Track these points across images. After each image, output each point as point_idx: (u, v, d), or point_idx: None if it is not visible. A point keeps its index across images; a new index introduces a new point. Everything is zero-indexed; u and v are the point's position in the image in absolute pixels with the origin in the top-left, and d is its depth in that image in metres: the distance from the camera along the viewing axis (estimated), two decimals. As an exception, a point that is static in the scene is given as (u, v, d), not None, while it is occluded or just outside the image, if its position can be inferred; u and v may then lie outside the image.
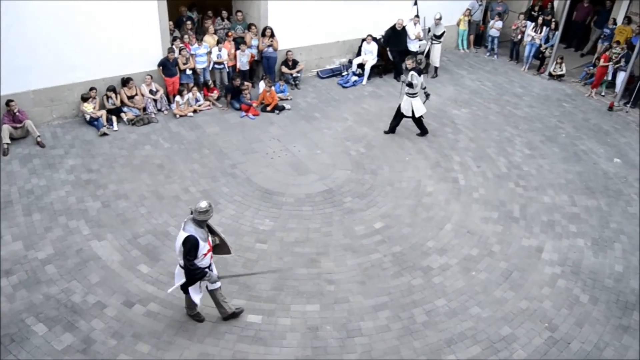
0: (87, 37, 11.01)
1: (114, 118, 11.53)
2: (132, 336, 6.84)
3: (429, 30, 15.07)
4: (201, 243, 6.21)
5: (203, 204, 6.26)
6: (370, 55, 14.43)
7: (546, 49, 15.48)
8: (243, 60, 13.04)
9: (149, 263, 8.04)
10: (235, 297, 7.46)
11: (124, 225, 8.77)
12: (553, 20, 15.57)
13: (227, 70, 13.06)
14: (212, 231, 6.59)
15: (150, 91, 12.04)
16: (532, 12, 16.41)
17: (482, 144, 11.81)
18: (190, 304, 6.94)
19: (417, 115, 11.58)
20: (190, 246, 6.14)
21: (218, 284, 6.79)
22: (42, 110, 11.20)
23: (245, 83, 12.77)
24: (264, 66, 13.63)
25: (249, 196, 9.68)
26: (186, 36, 12.36)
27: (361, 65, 14.57)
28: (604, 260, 8.60)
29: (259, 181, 10.13)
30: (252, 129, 11.88)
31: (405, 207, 9.63)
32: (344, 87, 14.26)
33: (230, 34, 13.08)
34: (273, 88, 12.85)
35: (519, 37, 16.06)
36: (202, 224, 6.32)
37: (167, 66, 12.04)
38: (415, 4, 14.57)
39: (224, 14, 13.62)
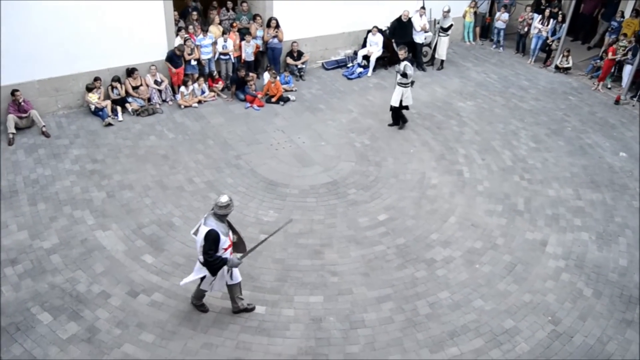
0: (93, 27, 11.00)
1: (118, 108, 11.54)
2: (137, 326, 6.88)
3: (435, 22, 15.00)
4: (222, 237, 6.20)
5: (224, 199, 6.24)
6: (375, 47, 14.37)
7: (553, 41, 15.39)
8: (248, 51, 13.00)
9: (153, 253, 8.07)
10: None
11: (129, 215, 8.79)
12: (560, 12, 15.47)
13: (232, 61, 13.04)
14: (231, 228, 6.57)
15: (155, 82, 12.04)
16: (540, 4, 16.31)
17: (487, 136, 11.77)
18: (198, 295, 6.95)
19: (404, 104, 11.49)
20: (212, 240, 6.13)
21: (239, 278, 6.78)
22: (47, 100, 11.22)
23: (250, 74, 12.74)
24: (269, 57, 13.60)
25: (253, 187, 9.69)
26: (191, 27, 12.33)
27: (366, 57, 14.53)
28: (608, 254, 8.59)
29: (263, 172, 10.14)
30: (256, 120, 11.87)
31: (409, 199, 9.62)
32: (349, 78, 14.23)
33: (235, 24, 13.04)
34: (278, 79, 12.83)
35: (526, 29, 15.96)
36: (222, 218, 6.31)
37: (174, 58, 12.03)
38: (422, -5, 14.53)
39: (229, 4, 13.57)
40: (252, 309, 7.17)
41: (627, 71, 13.80)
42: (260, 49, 13.48)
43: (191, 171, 10.00)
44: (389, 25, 14.62)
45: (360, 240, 8.61)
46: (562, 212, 9.47)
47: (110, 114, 11.35)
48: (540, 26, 15.44)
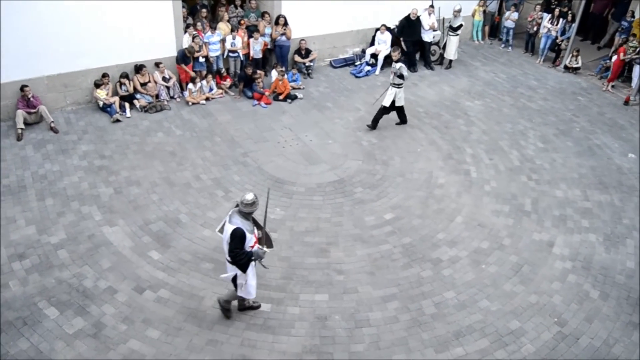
0: (101, 23, 11.02)
1: (126, 105, 11.57)
2: (143, 322, 6.91)
3: (444, 21, 14.95)
4: (248, 235, 6.15)
5: (249, 196, 6.18)
6: (383, 45, 14.33)
7: (562, 41, 15.30)
8: (256, 49, 13.01)
9: (160, 249, 8.10)
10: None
11: (136, 211, 8.83)
12: (570, 12, 15.39)
13: (241, 58, 13.04)
14: (256, 224, 6.52)
15: (163, 78, 12.06)
16: (549, 4, 16.21)
17: (495, 136, 11.72)
18: (231, 298, 6.89)
19: (397, 105, 11.44)
20: (238, 238, 6.08)
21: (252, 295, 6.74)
22: (55, 96, 11.27)
23: (258, 72, 12.74)
24: (277, 55, 13.60)
25: (260, 185, 9.70)
26: (199, 24, 12.35)
27: (374, 55, 14.50)
28: (615, 256, 8.54)
29: (270, 170, 10.15)
30: (264, 118, 11.88)
31: (416, 199, 9.61)
32: (356, 76, 14.20)
33: (243, 22, 13.05)
34: (285, 77, 12.83)
35: (535, 28, 15.87)
36: (248, 216, 6.26)
37: (184, 59, 12.05)
38: (431, -6, 14.48)
39: (238, 1, 13.58)
40: (258, 307, 7.18)
41: (637, 72, 13.69)
42: (268, 47, 13.48)
43: (198, 168, 10.02)
44: (397, 23, 14.58)
45: (366, 239, 8.61)
46: (570, 213, 9.42)
47: (118, 110, 11.39)
48: (549, 25, 15.35)
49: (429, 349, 6.82)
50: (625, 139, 11.86)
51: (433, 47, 15.22)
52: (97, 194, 9.13)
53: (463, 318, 7.27)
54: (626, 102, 13.52)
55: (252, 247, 6.29)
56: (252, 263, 6.39)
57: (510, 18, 16.20)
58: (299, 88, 13.24)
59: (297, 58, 13.78)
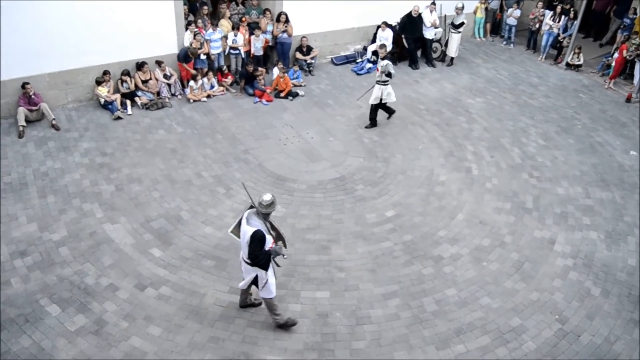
0: (103, 21, 11.01)
1: (128, 102, 11.58)
2: (144, 319, 6.92)
3: (446, 18, 14.92)
4: (267, 236, 6.11)
5: (267, 197, 6.12)
6: (385, 42, 14.28)
7: (564, 38, 15.27)
8: (257, 46, 13.00)
9: (161, 247, 8.11)
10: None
11: (137, 208, 8.84)
12: (572, 9, 15.33)
13: (242, 56, 13.03)
14: (272, 225, 6.46)
15: (165, 76, 12.07)
16: (552, 1, 16.18)
17: (497, 133, 11.71)
18: (272, 306, 6.76)
19: (390, 101, 11.38)
20: (258, 240, 6.03)
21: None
22: (57, 94, 11.27)
23: (259, 69, 12.73)
24: (278, 52, 13.59)
25: (261, 182, 9.70)
26: (200, 21, 12.34)
27: (376, 53, 14.45)
28: (617, 253, 8.53)
29: (272, 167, 10.15)
30: (265, 115, 11.87)
31: (417, 196, 9.60)
32: (358, 74, 14.19)
33: (244, 19, 13.04)
34: (287, 74, 12.82)
35: (537, 26, 15.83)
36: (267, 217, 6.22)
37: (187, 58, 12.04)
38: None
39: (239, -1, 13.60)
40: (259, 304, 7.18)
41: (639, 69, 13.65)
42: (270, 44, 13.47)
43: (199, 165, 10.03)
44: (399, 20, 14.56)
45: (367, 236, 8.61)
46: (571, 211, 9.42)
47: (119, 107, 11.39)
48: (551, 23, 15.31)
49: (430, 346, 6.83)
50: (627, 137, 11.84)
51: (434, 44, 15.20)
52: (98, 191, 9.13)
53: (464, 315, 7.27)
54: (628, 100, 13.49)
55: (270, 247, 6.23)
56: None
57: (512, 15, 16.17)
58: (300, 85, 13.23)
59: (299, 55, 13.77)
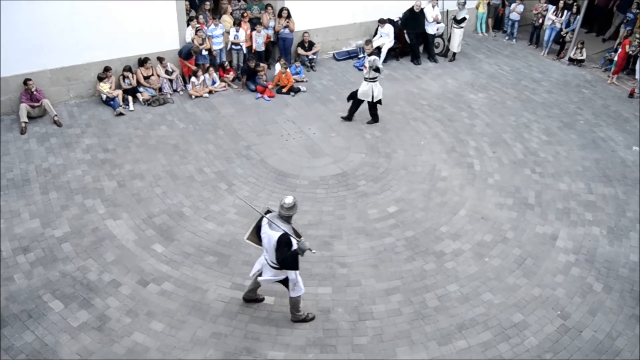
0: (104, 17, 11.01)
1: (129, 98, 11.58)
2: (146, 314, 6.94)
3: (447, 13, 14.87)
4: (292, 239, 6.07)
5: (289, 200, 6.08)
6: (386, 38, 14.26)
7: (567, 33, 15.21)
8: (259, 41, 12.98)
9: (164, 243, 8.12)
10: (247, 277, 7.50)
11: (139, 204, 8.85)
12: (575, 3, 15.27)
13: (244, 51, 13.02)
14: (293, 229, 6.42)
15: (166, 71, 12.06)
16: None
17: (499, 129, 11.69)
18: (297, 304, 6.79)
19: (376, 100, 11.27)
20: (285, 244, 5.99)
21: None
22: (59, 90, 11.28)
23: (261, 64, 12.72)
24: (280, 47, 13.57)
25: (263, 178, 9.70)
26: (201, 16, 12.32)
27: (378, 48, 14.42)
28: (619, 249, 8.52)
29: (274, 163, 10.15)
30: (267, 111, 11.87)
31: (419, 192, 9.60)
32: (360, 69, 14.12)
33: (246, 14, 13.01)
34: (289, 70, 12.80)
35: (540, 21, 15.77)
36: (289, 219, 6.19)
37: (189, 55, 12.03)
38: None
39: (240, -6, 13.56)
40: (262, 300, 7.20)
41: (641, 64, 13.63)
42: (271, 39, 13.45)
43: (201, 161, 10.03)
44: (401, 16, 14.51)
45: (369, 232, 8.61)
46: (573, 206, 9.40)
47: (121, 103, 11.40)
48: (554, 17, 15.25)
49: (432, 341, 6.83)
50: (630, 132, 11.81)
51: (437, 40, 15.16)
52: (100, 187, 9.15)
53: (466, 311, 7.27)
54: (631, 95, 13.45)
55: (296, 246, 6.12)
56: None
57: (515, 10, 16.10)
58: (302, 81, 13.21)
59: (301, 51, 13.75)
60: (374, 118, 11.58)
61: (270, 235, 6.07)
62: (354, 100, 11.48)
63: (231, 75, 12.86)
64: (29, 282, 7.24)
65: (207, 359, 6.46)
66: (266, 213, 6.27)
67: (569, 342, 6.90)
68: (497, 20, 17.30)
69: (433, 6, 14.41)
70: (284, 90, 12.62)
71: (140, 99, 11.69)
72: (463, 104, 12.72)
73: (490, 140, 11.24)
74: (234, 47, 12.87)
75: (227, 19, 12.75)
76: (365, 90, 11.17)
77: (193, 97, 12.11)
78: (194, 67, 12.18)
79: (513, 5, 16.16)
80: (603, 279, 7.93)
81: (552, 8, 15.41)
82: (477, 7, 16.31)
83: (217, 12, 13.31)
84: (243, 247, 7.99)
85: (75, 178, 9.30)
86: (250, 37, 12.94)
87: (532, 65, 15.05)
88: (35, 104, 10.65)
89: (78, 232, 8.16)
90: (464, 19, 14.51)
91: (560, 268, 8.08)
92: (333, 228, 8.64)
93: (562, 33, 15.29)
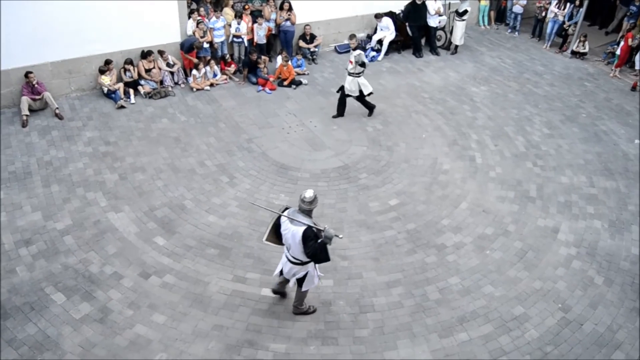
0: (105, 9, 10.99)
1: (131, 91, 11.56)
2: (148, 307, 6.96)
3: (449, 6, 14.82)
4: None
5: (309, 194, 6.04)
6: (387, 31, 14.22)
7: (569, 26, 15.15)
8: (260, 34, 12.95)
9: (165, 235, 8.13)
10: (249, 270, 7.55)
11: (141, 197, 8.86)
12: (578, -4, 15.21)
13: (245, 44, 12.99)
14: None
15: (168, 64, 12.04)
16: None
17: (501, 122, 11.67)
18: (304, 298, 6.82)
19: (366, 93, 11.13)
20: (312, 237, 5.96)
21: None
22: (60, 83, 11.27)
23: (262, 57, 12.70)
24: (282, 40, 13.54)
25: (265, 171, 9.71)
26: (203, 9, 12.29)
27: (380, 41, 14.40)
28: (620, 242, 8.52)
29: (275, 156, 10.14)
30: (268, 104, 11.85)
31: (420, 185, 9.59)
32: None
33: (247, 7, 12.98)
34: (290, 62, 12.78)
35: (544, 14, 15.70)
36: (310, 213, 6.14)
37: (191, 49, 12.00)
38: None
39: (242, -14, 13.51)
40: (286, 296, 7.16)
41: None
42: (273, 32, 13.41)
43: (203, 154, 10.03)
44: (402, 8, 14.46)
45: (370, 224, 8.62)
46: (575, 200, 9.39)
47: (122, 96, 11.39)
48: (556, 10, 15.19)
49: (433, 334, 6.85)
50: (632, 125, 11.77)
51: (439, 32, 15.11)
52: (102, 180, 9.15)
53: (467, 304, 7.28)
54: (633, 88, 13.41)
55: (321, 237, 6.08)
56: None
57: (518, 3, 16.04)
58: (304, 74, 13.19)
59: (302, 43, 13.72)
60: (370, 110, 11.51)
61: (294, 231, 6.03)
62: (341, 96, 11.35)
63: (232, 68, 12.84)
64: (31, 275, 7.27)
65: (209, 352, 6.48)
66: (283, 210, 6.23)
67: (569, 335, 6.91)
68: (499, 13, 17.25)
69: (435, -1, 14.37)
70: (286, 83, 12.60)
71: (142, 92, 11.68)
72: (465, 97, 12.69)
73: (492, 133, 11.23)
74: (235, 39, 12.84)
75: (228, 11, 12.72)
76: (351, 86, 11.07)
77: (194, 89, 12.10)
78: (195, 60, 12.16)
79: (515, -3, 16.12)
80: (604, 272, 7.93)
81: (554, 1, 15.35)
82: (479, 0, 16.24)
83: (218, 5, 13.25)
84: (244, 240, 8.01)
85: (77, 171, 9.30)
86: (252, 29, 12.90)
87: (535, 58, 14.99)
88: (37, 97, 10.65)
89: (80, 224, 8.18)
90: (465, 12, 14.45)
91: (562, 261, 8.08)
92: (334, 221, 8.64)
93: (564, 26, 15.23)
